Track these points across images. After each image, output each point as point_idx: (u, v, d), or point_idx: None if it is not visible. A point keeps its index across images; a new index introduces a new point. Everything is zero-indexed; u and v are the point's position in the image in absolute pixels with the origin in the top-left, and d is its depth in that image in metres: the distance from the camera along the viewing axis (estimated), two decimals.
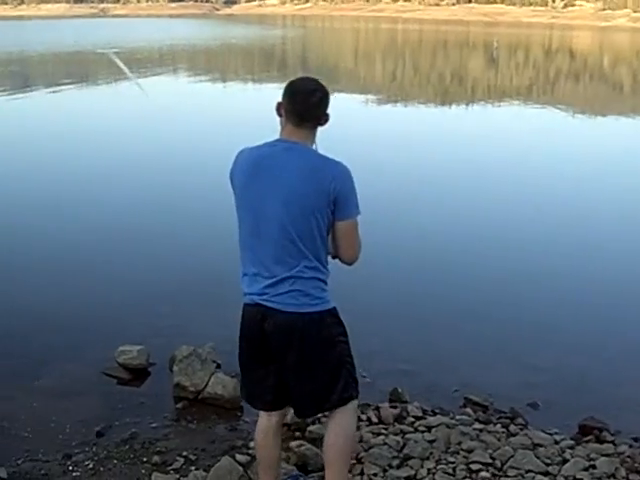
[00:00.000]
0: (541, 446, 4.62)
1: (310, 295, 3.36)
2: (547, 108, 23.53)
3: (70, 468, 4.42)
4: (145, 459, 4.50)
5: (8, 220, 9.53)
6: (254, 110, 16.59)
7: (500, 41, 54.79)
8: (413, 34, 75.22)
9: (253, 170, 3.37)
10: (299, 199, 3.27)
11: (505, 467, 4.34)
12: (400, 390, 5.39)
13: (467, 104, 24.95)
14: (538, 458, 4.41)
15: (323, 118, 3.40)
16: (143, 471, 4.35)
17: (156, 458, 4.48)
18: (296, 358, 3.42)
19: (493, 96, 28.12)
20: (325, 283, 3.44)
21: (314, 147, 3.41)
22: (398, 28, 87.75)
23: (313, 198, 3.27)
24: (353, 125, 17.04)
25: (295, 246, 3.32)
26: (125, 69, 27.25)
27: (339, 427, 3.56)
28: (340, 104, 23.56)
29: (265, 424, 3.67)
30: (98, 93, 24.48)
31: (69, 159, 13.56)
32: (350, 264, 3.52)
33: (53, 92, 23.71)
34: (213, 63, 39.32)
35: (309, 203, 3.27)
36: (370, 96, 25.31)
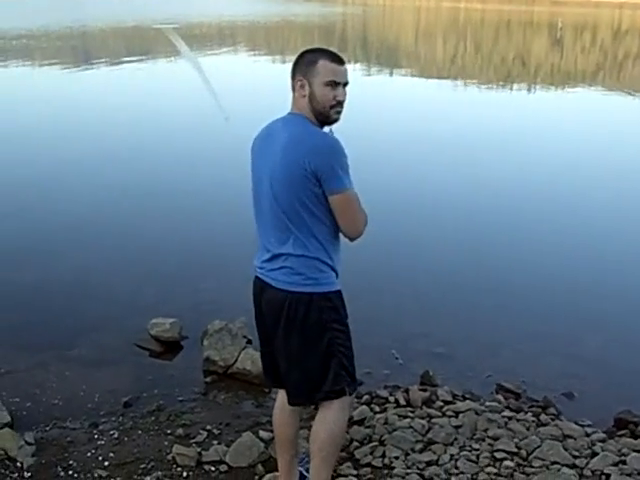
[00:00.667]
0: (570, 437, 4.49)
1: (302, 274, 3.28)
2: (614, 93, 22.92)
3: (95, 437, 4.46)
4: (169, 431, 4.52)
5: (52, 189, 9.68)
6: None
7: (565, 21, 53.57)
8: (475, 13, 74.04)
9: (260, 145, 3.41)
10: (281, 173, 3.23)
11: (530, 457, 4.23)
12: (431, 373, 5.32)
13: (529, 87, 24.45)
14: (566, 450, 4.29)
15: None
16: (166, 443, 4.37)
17: (180, 431, 4.50)
18: (283, 339, 3.38)
19: (556, 80, 27.50)
20: (324, 263, 3.31)
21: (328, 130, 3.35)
22: (460, 7, 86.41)
23: (291, 171, 3.19)
24: (409, 107, 16.87)
25: (283, 222, 3.28)
26: (186, 53, 27.25)
27: (323, 422, 3.45)
28: (399, 85, 23.61)
29: (281, 400, 3.67)
30: (158, 70, 24.57)
31: (127, 134, 13.64)
32: (353, 239, 3.39)
33: (113, 68, 23.93)
34: (273, 41, 39.25)
35: (289, 177, 3.21)
36: (430, 77, 25.00)
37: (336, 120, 3.32)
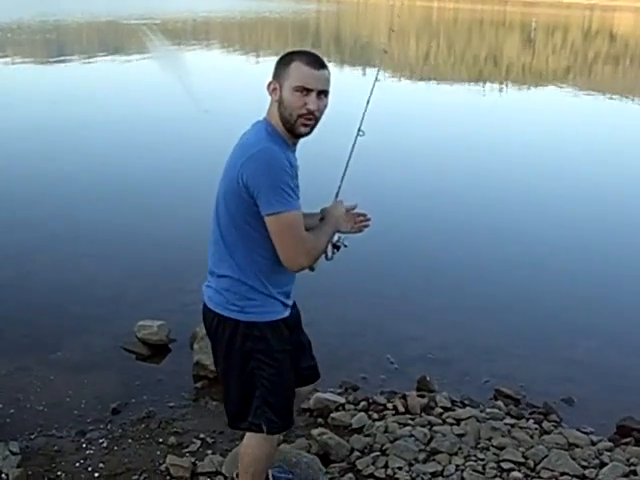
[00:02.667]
0: (577, 446, 4.39)
1: (227, 299, 3.04)
2: (583, 93, 23.01)
3: (84, 445, 4.26)
4: (161, 440, 4.33)
5: (35, 189, 9.40)
6: None
7: (538, 21, 53.86)
8: (448, 12, 74.23)
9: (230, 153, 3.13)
10: (221, 187, 3.00)
11: (538, 468, 4.11)
12: (429, 379, 5.19)
13: (501, 86, 24.46)
14: (574, 460, 4.17)
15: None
16: (158, 452, 4.18)
17: (172, 439, 4.31)
18: (215, 359, 3.28)
19: (529, 79, 27.58)
20: (256, 291, 3.02)
21: None
22: (434, 6, 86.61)
23: (228, 186, 2.93)
24: (382, 104, 16.74)
25: (218, 239, 3.04)
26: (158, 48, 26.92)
27: (246, 446, 3.29)
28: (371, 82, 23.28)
29: None
30: (135, 65, 24.23)
31: (105, 129, 13.35)
32: (293, 270, 3.01)
33: (86, 62, 23.54)
34: (247, 37, 38.97)
35: (226, 192, 2.96)
36: (403, 75, 24.91)
37: (303, 134, 2.97)
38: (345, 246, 3.30)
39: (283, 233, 2.88)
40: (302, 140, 3.06)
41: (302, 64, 2.90)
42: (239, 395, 3.16)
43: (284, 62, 2.95)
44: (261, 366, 3.07)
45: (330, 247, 3.24)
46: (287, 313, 3.16)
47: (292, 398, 3.23)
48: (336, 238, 3.26)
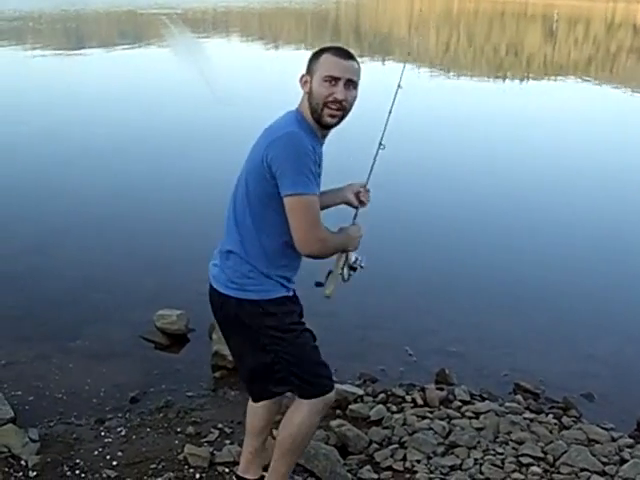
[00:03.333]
0: (597, 442, 4.34)
1: (225, 274, 3.11)
2: (605, 85, 22.81)
3: (102, 434, 4.27)
4: (179, 429, 4.33)
5: (54, 180, 9.43)
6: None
7: (560, 13, 53.41)
8: (469, 4, 73.72)
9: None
10: (246, 163, 3.07)
11: (558, 463, 4.07)
12: (447, 372, 5.17)
13: (522, 79, 24.30)
14: (594, 456, 4.13)
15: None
16: (176, 442, 4.18)
17: (190, 429, 4.31)
18: (226, 337, 3.35)
19: (550, 71, 27.37)
20: (259, 272, 3.06)
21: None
22: None
23: (251, 162, 3.01)
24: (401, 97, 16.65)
25: (232, 213, 3.11)
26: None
27: (288, 421, 3.27)
28: (391, 74, 23.22)
29: None
30: (154, 54, 24.27)
31: (123, 121, 13.37)
32: (304, 252, 3.01)
33: (106, 52, 23.60)
34: (266, 27, 38.94)
35: (248, 171, 3.02)
36: (422, 67, 24.78)
37: (329, 124, 3.00)
38: (362, 267, 3.31)
39: (300, 214, 2.91)
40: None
41: (331, 55, 2.97)
42: (258, 371, 3.22)
43: (315, 56, 3.03)
44: (275, 341, 3.11)
45: (347, 268, 3.29)
46: (290, 293, 3.19)
47: (320, 363, 3.23)
48: (353, 259, 3.28)
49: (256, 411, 3.51)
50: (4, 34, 25.76)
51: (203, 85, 16.66)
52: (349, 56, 2.99)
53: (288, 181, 2.86)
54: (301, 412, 3.20)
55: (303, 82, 3.03)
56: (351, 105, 3.01)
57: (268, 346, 3.12)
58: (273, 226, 2.99)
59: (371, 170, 3.46)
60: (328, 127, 3.03)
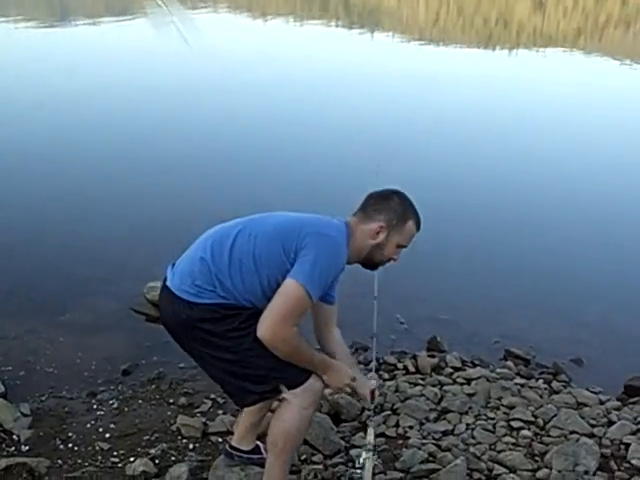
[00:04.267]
0: (586, 406, 4.40)
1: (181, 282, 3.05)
2: (594, 56, 22.73)
3: (94, 406, 4.29)
4: (171, 400, 4.35)
5: (43, 151, 9.34)
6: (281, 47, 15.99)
7: None
8: None
9: None
10: (271, 227, 3.06)
11: (548, 426, 4.12)
12: (439, 339, 5.20)
13: (511, 49, 24.18)
14: (583, 419, 4.18)
15: None
16: (169, 413, 4.20)
17: (183, 400, 4.33)
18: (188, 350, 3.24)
19: (539, 42, 27.24)
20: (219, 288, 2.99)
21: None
22: None
23: (281, 233, 3.00)
24: (392, 66, 16.57)
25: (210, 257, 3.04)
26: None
27: (278, 419, 3.11)
28: (381, 45, 23.27)
29: None
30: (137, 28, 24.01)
31: (110, 94, 13.24)
32: (259, 333, 2.87)
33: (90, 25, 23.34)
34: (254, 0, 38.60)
35: (271, 232, 3.03)
36: (412, 38, 24.65)
37: (374, 270, 3.32)
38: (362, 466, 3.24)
39: (287, 299, 2.85)
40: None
41: (414, 227, 3.15)
42: (230, 375, 3.08)
43: (400, 214, 3.10)
44: (235, 342, 2.97)
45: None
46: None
47: None
48: (364, 456, 3.23)
49: None
50: None
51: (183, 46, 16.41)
52: (420, 229, 3.17)
53: (306, 272, 2.84)
54: (292, 409, 3.04)
55: (377, 231, 3.08)
56: None
57: (231, 348, 2.98)
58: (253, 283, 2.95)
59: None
60: (371, 269, 3.29)
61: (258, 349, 2.95)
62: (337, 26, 25.83)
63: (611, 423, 4.19)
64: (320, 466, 3.65)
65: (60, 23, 22.81)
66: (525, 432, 4.04)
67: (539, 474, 3.63)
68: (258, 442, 3.59)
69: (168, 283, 3.12)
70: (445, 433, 4.01)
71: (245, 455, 3.55)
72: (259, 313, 2.95)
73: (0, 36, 19.71)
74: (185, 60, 15.40)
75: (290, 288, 2.85)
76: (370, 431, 3.32)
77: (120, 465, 3.69)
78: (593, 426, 4.14)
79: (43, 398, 4.36)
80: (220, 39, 19.27)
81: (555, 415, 4.20)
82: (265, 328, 2.85)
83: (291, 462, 3.27)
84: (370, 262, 3.18)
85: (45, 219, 7.09)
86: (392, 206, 3.10)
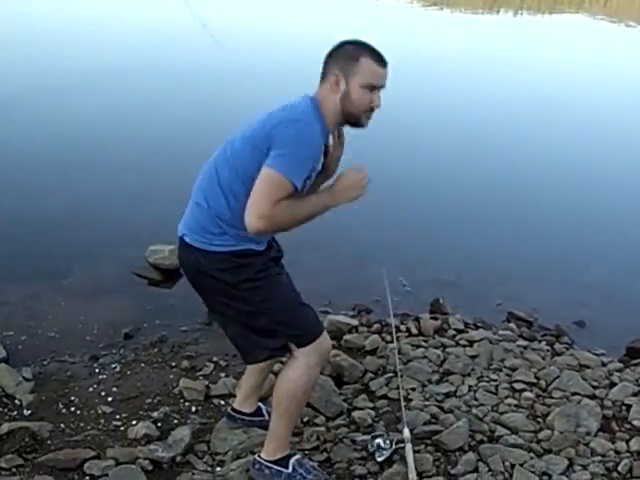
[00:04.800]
0: (588, 367, 4.39)
1: (193, 230, 3.02)
2: (599, 19, 22.52)
3: (96, 370, 4.28)
4: (174, 363, 4.34)
5: (39, 116, 9.26)
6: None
7: None
8: None
9: None
10: (248, 127, 2.98)
11: (550, 388, 4.11)
12: (441, 301, 5.19)
13: (516, 13, 23.95)
14: (585, 380, 4.17)
15: None
16: (171, 376, 4.19)
17: (185, 363, 4.33)
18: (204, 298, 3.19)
19: (544, 6, 26.95)
20: (218, 227, 2.96)
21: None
22: None
23: (254, 128, 2.93)
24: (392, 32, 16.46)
25: (214, 170, 3.04)
26: None
27: (283, 378, 3.06)
28: (383, 8, 23.02)
29: None
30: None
31: (118, 59, 13.09)
32: (245, 223, 2.77)
33: None
34: None
35: (249, 131, 2.94)
36: (416, 1, 24.40)
37: (365, 126, 3.00)
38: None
39: (264, 187, 2.75)
40: None
41: (372, 61, 2.91)
42: (245, 328, 3.06)
43: (350, 55, 2.92)
44: (249, 294, 2.96)
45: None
46: (261, 247, 3.03)
47: (304, 305, 3.06)
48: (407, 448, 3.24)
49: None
50: None
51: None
52: (385, 63, 2.95)
53: (279, 159, 2.75)
54: (297, 367, 3.00)
55: (334, 81, 2.92)
56: None
57: (243, 301, 2.98)
58: (244, 195, 2.84)
59: None
60: (361, 127, 3.01)
61: (272, 301, 2.97)
62: None
63: (613, 385, 4.18)
64: (322, 428, 3.65)
65: None
66: (527, 394, 4.03)
67: (541, 435, 3.62)
68: (260, 404, 3.60)
69: (180, 234, 3.08)
70: (448, 395, 4.00)
71: (247, 417, 3.56)
72: (271, 259, 3.02)
73: None
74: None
75: (263, 174, 2.76)
76: (405, 430, 3.32)
77: (122, 428, 3.70)
78: (595, 388, 4.13)
79: (45, 362, 4.35)
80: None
81: (557, 377, 4.19)
82: (250, 219, 2.74)
83: (295, 423, 3.23)
84: (351, 117, 2.95)
85: (45, 185, 7.03)
86: (341, 53, 2.94)
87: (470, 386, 4.10)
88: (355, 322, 4.81)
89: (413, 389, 4.05)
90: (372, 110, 2.96)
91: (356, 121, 2.97)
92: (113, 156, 7.84)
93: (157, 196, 6.79)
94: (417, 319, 4.89)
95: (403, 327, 4.79)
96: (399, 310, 5.09)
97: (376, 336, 4.61)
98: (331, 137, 3.07)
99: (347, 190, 2.94)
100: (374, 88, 2.92)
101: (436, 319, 4.91)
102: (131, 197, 6.80)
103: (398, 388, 3.84)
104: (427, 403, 3.90)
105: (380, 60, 2.93)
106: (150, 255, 5.48)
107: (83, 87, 10.72)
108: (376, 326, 4.78)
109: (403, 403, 3.62)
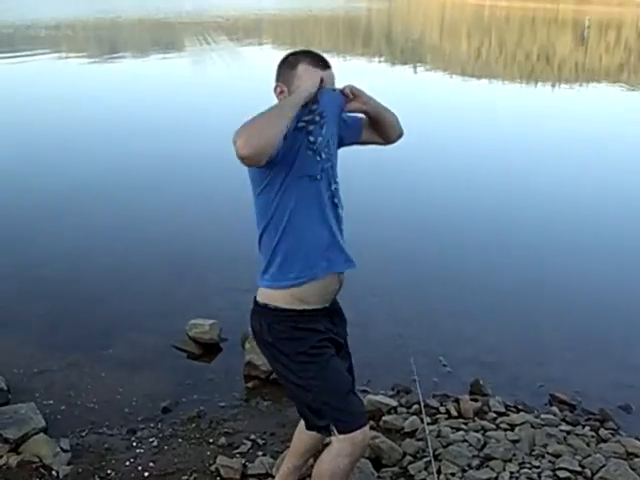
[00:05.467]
0: (636, 456, 4.23)
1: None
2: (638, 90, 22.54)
3: (134, 444, 4.25)
4: (211, 440, 4.30)
5: (90, 186, 9.48)
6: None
7: (591, 19, 52.92)
8: (500, 10, 73.28)
9: None
10: None
11: (596, 477, 3.97)
12: (482, 382, 5.10)
13: (554, 84, 24.08)
14: (634, 470, 4.02)
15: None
16: (208, 453, 4.16)
17: (222, 440, 4.29)
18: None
19: (581, 77, 27.11)
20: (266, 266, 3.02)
21: None
22: (485, 4, 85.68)
23: None
24: (428, 102, 16.60)
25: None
26: None
27: (320, 461, 3.03)
28: (424, 80, 23.38)
29: None
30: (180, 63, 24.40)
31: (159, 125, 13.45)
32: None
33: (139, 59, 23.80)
34: (298, 35, 39.01)
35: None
36: (454, 74, 24.70)
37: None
38: None
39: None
40: None
41: (309, 66, 2.87)
42: (297, 398, 3.08)
43: (288, 64, 2.92)
44: (303, 368, 2.96)
45: None
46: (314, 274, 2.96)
47: (353, 392, 3.04)
48: None
49: (302, 436, 3.40)
50: (41, 41, 26.14)
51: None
52: (326, 65, 2.91)
53: None
54: (330, 452, 2.97)
55: (278, 92, 2.92)
56: None
57: (291, 369, 2.99)
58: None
59: None
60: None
61: (321, 380, 2.94)
62: (379, 62, 26.02)
63: None
64: None
65: (108, 57, 23.26)
66: None
67: None
68: None
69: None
70: None
71: None
72: (329, 340, 3.02)
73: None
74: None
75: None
76: None
77: None
78: None
79: (83, 434, 4.35)
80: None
81: (603, 465, 4.06)
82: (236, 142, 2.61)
83: None
84: None
85: (90, 254, 7.17)
86: (284, 65, 2.92)
87: (512, 472, 3.98)
88: (394, 402, 4.75)
89: (453, 474, 3.96)
90: None
91: None
92: (158, 228, 7.98)
93: (199, 269, 6.87)
94: (457, 400, 4.80)
95: (442, 408, 4.71)
96: (438, 391, 5.02)
97: (415, 417, 4.54)
98: None
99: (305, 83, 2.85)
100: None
101: (476, 400, 4.82)
102: (174, 269, 6.87)
103: (434, 474, 3.78)
104: None
105: (318, 63, 2.89)
106: (190, 329, 5.50)
107: (130, 155, 10.98)
108: (415, 407, 4.71)
109: None
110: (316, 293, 2.99)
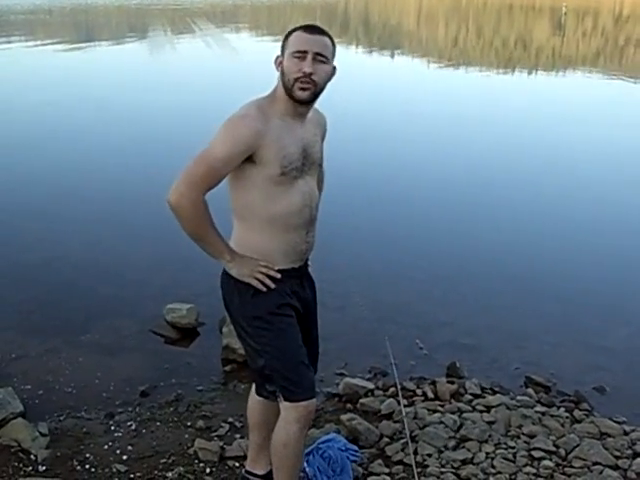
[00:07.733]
0: (609, 436, 4.30)
1: None
2: (613, 77, 22.67)
3: (112, 428, 4.26)
4: (189, 423, 4.32)
5: (65, 173, 9.42)
6: None
7: (568, 6, 53.12)
8: None
9: None
10: None
11: (570, 457, 4.04)
12: (458, 365, 5.14)
13: (530, 71, 24.17)
14: (606, 449, 4.09)
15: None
16: (186, 436, 4.17)
17: (200, 423, 4.30)
18: None
19: (558, 63, 27.22)
20: None
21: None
22: None
23: None
24: (406, 88, 16.62)
25: None
26: None
27: (273, 436, 3.15)
28: (401, 67, 23.40)
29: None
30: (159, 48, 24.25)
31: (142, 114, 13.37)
32: (167, 198, 2.97)
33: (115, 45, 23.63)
34: (275, 21, 38.88)
35: None
36: (431, 60, 24.73)
37: (301, 98, 2.89)
38: None
39: (191, 163, 2.91)
40: None
41: (300, 32, 2.91)
42: (250, 359, 3.16)
43: (287, 34, 2.96)
44: (256, 331, 3.02)
45: None
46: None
47: (305, 364, 3.06)
48: None
49: (254, 406, 3.45)
50: (16, 27, 25.88)
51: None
52: (318, 31, 2.91)
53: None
54: (279, 422, 3.08)
55: (278, 63, 2.94)
56: (323, 80, 2.91)
57: (248, 334, 3.07)
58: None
59: None
60: (302, 102, 2.92)
61: (274, 348, 2.99)
62: (357, 48, 26.00)
63: (636, 455, 4.09)
64: None
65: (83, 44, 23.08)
66: (547, 462, 3.96)
67: None
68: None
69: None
70: (464, 462, 3.95)
71: None
72: (291, 307, 3.07)
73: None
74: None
75: (195, 156, 2.88)
76: None
77: None
78: (617, 457, 4.04)
79: (61, 418, 4.35)
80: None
81: (577, 445, 4.12)
82: (172, 191, 2.91)
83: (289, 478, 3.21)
84: (287, 90, 2.89)
85: (67, 241, 7.16)
86: (284, 39, 2.95)
87: (487, 453, 4.04)
88: (371, 385, 4.78)
89: (429, 455, 4.00)
90: (305, 77, 2.85)
91: (290, 93, 2.88)
92: (135, 214, 7.96)
93: (176, 254, 6.79)
94: (433, 383, 4.85)
95: (419, 391, 4.75)
96: (415, 374, 5.06)
97: (392, 400, 4.57)
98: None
99: (245, 266, 3.01)
100: (303, 54, 2.84)
101: (452, 383, 4.87)
102: (152, 254, 6.87)
103: (411, 455, 3.81)
104: (443, 470, 3.85)
105: (310, 28, 2.91)
106: (168, 313, 5.50)
107: (107, 143, 10.91)
108: (392, 389, 4.74)
109: (417, 470, 3.58)
110: (282, 252, 3.04)
